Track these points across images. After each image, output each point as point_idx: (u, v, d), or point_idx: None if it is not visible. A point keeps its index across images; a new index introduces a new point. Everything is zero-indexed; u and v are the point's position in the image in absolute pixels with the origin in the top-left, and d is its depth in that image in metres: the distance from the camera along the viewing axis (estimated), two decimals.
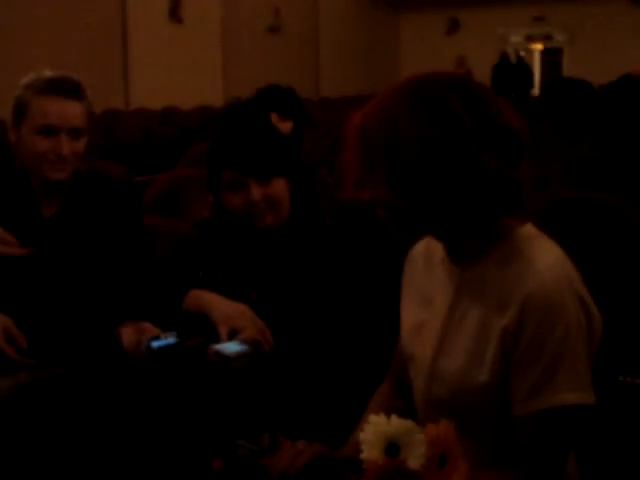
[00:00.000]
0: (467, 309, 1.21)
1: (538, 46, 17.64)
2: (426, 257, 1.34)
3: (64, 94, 1.77)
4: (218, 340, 1.50)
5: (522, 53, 16.24)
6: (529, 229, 1.21)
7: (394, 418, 0.79)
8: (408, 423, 0.79)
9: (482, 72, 12.20)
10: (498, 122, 1.14)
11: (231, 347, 1.46)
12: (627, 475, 1.39)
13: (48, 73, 1.81)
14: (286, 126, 2.67)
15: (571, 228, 2.61)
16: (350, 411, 1.43)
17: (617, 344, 1.43)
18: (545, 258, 1.15)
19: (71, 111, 1.78)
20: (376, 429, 0.77)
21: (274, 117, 2.61)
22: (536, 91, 13.89)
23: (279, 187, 1.63)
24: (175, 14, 11.61)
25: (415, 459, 0.76)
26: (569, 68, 16.49)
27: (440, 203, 1.13)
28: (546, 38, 17.33)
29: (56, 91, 1.77)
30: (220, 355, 1.44)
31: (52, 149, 1.76)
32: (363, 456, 0.78)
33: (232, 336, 1.51)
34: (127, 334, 1.55)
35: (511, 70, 12.39)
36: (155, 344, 1.47)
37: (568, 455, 1.20)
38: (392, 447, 0.77)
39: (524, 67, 13.29)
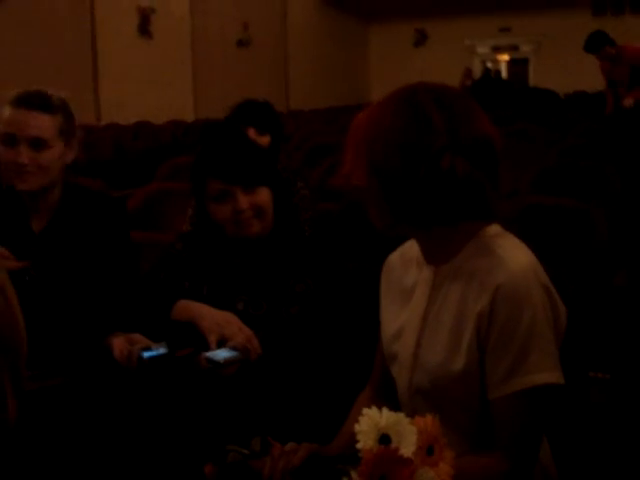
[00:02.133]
0: (443, 304, 1.29)
1: (504, 57, 17.90)
2: (402, 264, 1.41)
3: (28, 106, 1.80)
4: (207, 348, 1.54)
5: (489, 64, 16.50)
6: (495, 228, 1.29)
7: (385, 411, 0.85)
8: (399, 415, 0.84)
9: (450, 83, 12.33)
10: (471, 129, 1.22)
11: (221, 354, 1.48)
12: (599, 464, 1.46)
13: (26, 89, 1.85)
14: (264, 140, 2.70)
15: (541, 233, 2.69)
16: (335, 412, 1.49)
17: (587, 343, 1.51)
18: (512, 252, 1.24)
19: (32, 122, 1.80)
20: (370, 421, 0.83)
21: (252, 131, 2.64)
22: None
23: (264, 196, 1.68)
24: (145, 29, 11.61)
25: (407, 447, 0.82)
26: (535, 78, 16.74)
27: (409, 198, 1.22)
28: (512, 49, 17.58)
29: (22, 103, 1.81)
30: (211, 362, 1.48)
31: (13, 158, 1.80)
32: (359, 446, 0.84)
33: (221, 344, 1.55)
34: (118, 345, 1.55)
35: (493, 85, 12.62)
36: (146, 354, 1.48)
37: (542, 433, 1.27)
38: (384, 438, 0.83)
39: (503, 82, 13.57)
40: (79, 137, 1.90)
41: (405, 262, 1.41)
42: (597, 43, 6.39)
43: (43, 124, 1.81)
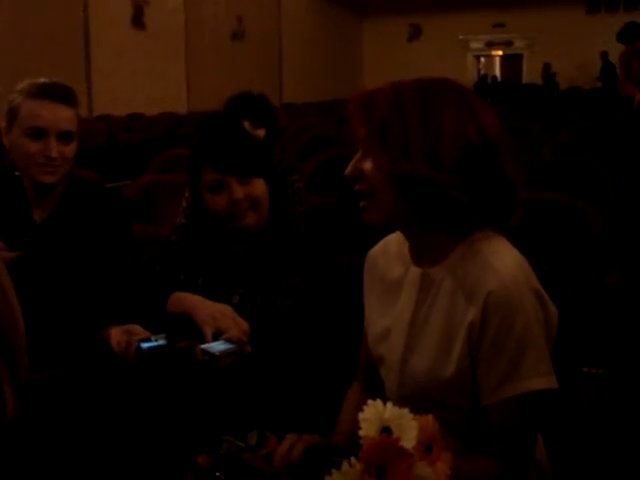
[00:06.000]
0: (431, 309, 1.27)
1: (498, 52, 17.95)
2: (385, 258, 1.39)
3: (54, 98, 1.79)
4: (202, 340, 1.54)
5: (482, 60, 16.56)
6: (485, 230, 1.26)
7: (389, 405, 0.86)
8: (402, 410, 0.85)
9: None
10: (497, 128, 1.23)
11: (217, 346, 1.48)
12: (592, 458, 1.47)
13: (41, 80, 1.83)
14: (259, 133, 2.70)
15: (534, 229, 2.70)
16: (329, 405, 1.49)
17: (580, 339, 1.52)
18: (502, 258, 1.22)
19: (61, 115, 1.80)
20: (375, 410, 0.83)
21: (247, 124, 2.63)
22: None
23: (259, 187, 1.67)
24: (138, 21, 11.59)
25: (408, 441, 0.82)
26: (528, 73, 16.81)
27: (449, 201, 1.19)
28: (506, 44, 17.64)
29: (47, 95, 1.79)
30: (207, 354, 1.48)
31: (41, 151, 1.78)
32: (361, 433, 0.84)
33: (216, 336, 1.55)
34: (115, 336, 1.54)
35: (490, 88, 12.77)
36: (145, 345, 1.47)
37: (536, 437, 1.28)
38: (386, 430, 0.84)
39: (501, 84, 13.71)
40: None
41: (388, 256, 1.39)
42: (631, 35, 6.51)
43: (71, 117, 1.81)
